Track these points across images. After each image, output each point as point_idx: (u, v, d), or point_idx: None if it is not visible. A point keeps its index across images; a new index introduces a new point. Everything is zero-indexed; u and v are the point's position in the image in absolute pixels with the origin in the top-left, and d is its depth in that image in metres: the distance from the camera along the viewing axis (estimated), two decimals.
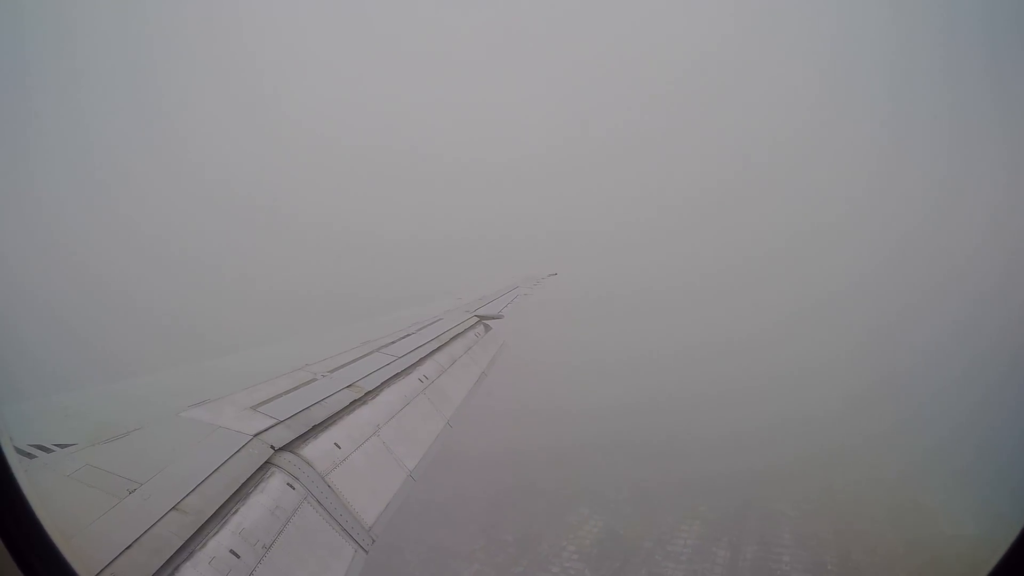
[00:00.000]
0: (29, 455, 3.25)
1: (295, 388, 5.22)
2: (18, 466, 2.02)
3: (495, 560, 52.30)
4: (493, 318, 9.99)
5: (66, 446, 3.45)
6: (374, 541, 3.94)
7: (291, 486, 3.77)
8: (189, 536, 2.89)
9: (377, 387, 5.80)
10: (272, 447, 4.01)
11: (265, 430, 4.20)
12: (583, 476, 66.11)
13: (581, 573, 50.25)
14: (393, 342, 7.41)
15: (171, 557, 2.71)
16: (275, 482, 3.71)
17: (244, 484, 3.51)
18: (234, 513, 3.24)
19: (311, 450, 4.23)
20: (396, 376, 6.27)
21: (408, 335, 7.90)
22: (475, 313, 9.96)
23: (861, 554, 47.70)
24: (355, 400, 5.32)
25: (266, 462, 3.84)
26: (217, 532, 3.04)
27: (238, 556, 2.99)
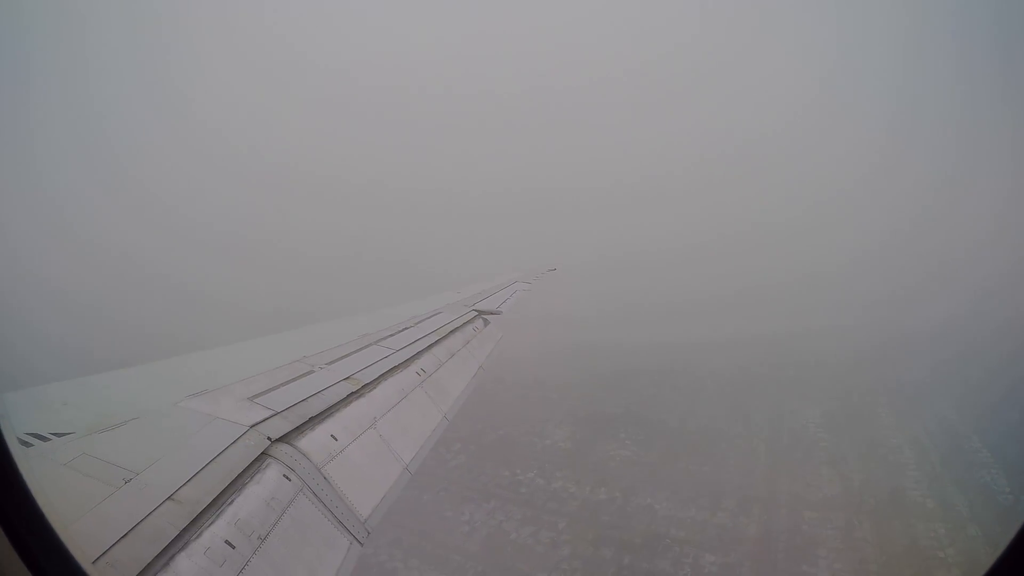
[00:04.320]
0: (26, 444, 3.26)
1: (292, 380, 5.23)
2: (18, 454, 2.02)
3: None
4: (492, 312, 10.00)
5: (63, 435, 3.46)
6: (369, 533, 3.96)
7: (287, 477, 3.79)
8: (184, 526, 2.90)
9: (375, 380, 5.81)
10: (268, 438, 4.02)
11: (262, 421, 4.21)
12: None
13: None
14: (391, 335, 7.42)
15: (166, 547, 2.72)
16: (271, 473, 3.72)
17: (240, 475, 3.53)
18: (230, 504, 3.25)
19: (307, 442, 4.24)
20: (394, 369, 6.27)
21: (406, 328, 7.91)
22: (474, 307, 9.96)
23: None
24: (352, 392, 5.33)
25: (262, 453, 3.86)
26: (212, 522, 3.06)
27: (233, 547, 3.01)
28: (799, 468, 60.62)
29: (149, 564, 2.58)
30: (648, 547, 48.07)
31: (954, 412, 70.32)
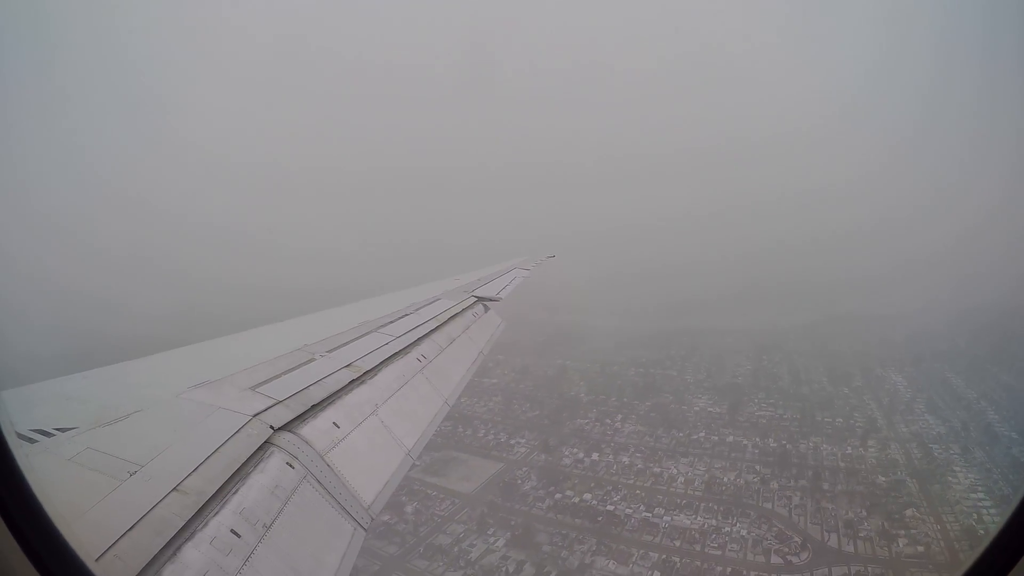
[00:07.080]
0: (30, 440, 3.29)
1: (294, 368, 5.25)
2: (19, 451, 2.04)
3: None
4: (491, 299, 9.99)
5: (67, 430, 3.49)
6: (372, 519, 4.00)
7: (290, 465, 3.82)
8: (190, 517, 2.94)
9: (375, 367, 5.83)
10: (271, 427, 4.05)
11: (264, 410, 4.24)
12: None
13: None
14: (391, 322, 7.42)
15: (173, 538, 2.76)
16: (274, 462, 3.76)
17: (244, 464, 3.56)
18: (234, 493, 3.29)
19: (310, 430, 4.28)
20: (394, 356, 6.29)
21: (406, 315, 7.90)
22: (473, 293, 9.95)
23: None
24: (354, 380, 5.36)
25: (266, 442, 3.89)
26: (218, 512, 3.10)
27: (239, 535, 3.05)
28: (908, 416, 74.20)
29: (156, 555, 2.62)
30: (834, 477, 60.64)
31: (1010, 373, 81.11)
